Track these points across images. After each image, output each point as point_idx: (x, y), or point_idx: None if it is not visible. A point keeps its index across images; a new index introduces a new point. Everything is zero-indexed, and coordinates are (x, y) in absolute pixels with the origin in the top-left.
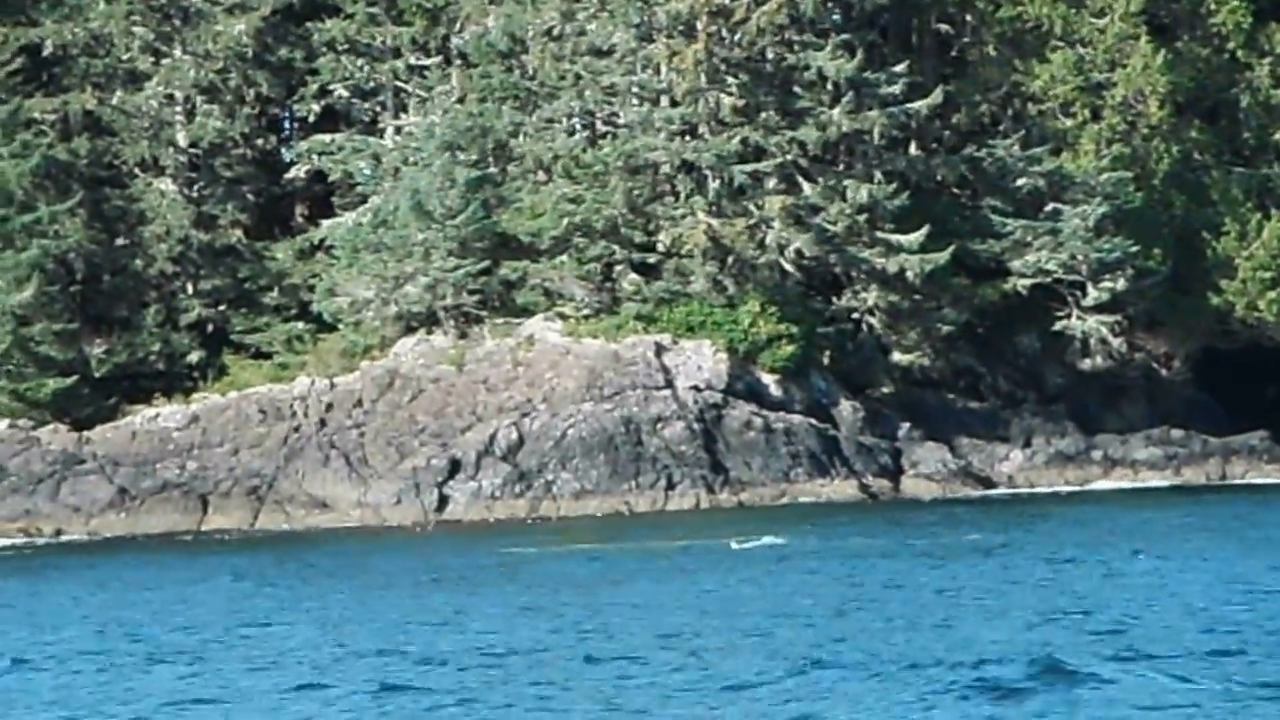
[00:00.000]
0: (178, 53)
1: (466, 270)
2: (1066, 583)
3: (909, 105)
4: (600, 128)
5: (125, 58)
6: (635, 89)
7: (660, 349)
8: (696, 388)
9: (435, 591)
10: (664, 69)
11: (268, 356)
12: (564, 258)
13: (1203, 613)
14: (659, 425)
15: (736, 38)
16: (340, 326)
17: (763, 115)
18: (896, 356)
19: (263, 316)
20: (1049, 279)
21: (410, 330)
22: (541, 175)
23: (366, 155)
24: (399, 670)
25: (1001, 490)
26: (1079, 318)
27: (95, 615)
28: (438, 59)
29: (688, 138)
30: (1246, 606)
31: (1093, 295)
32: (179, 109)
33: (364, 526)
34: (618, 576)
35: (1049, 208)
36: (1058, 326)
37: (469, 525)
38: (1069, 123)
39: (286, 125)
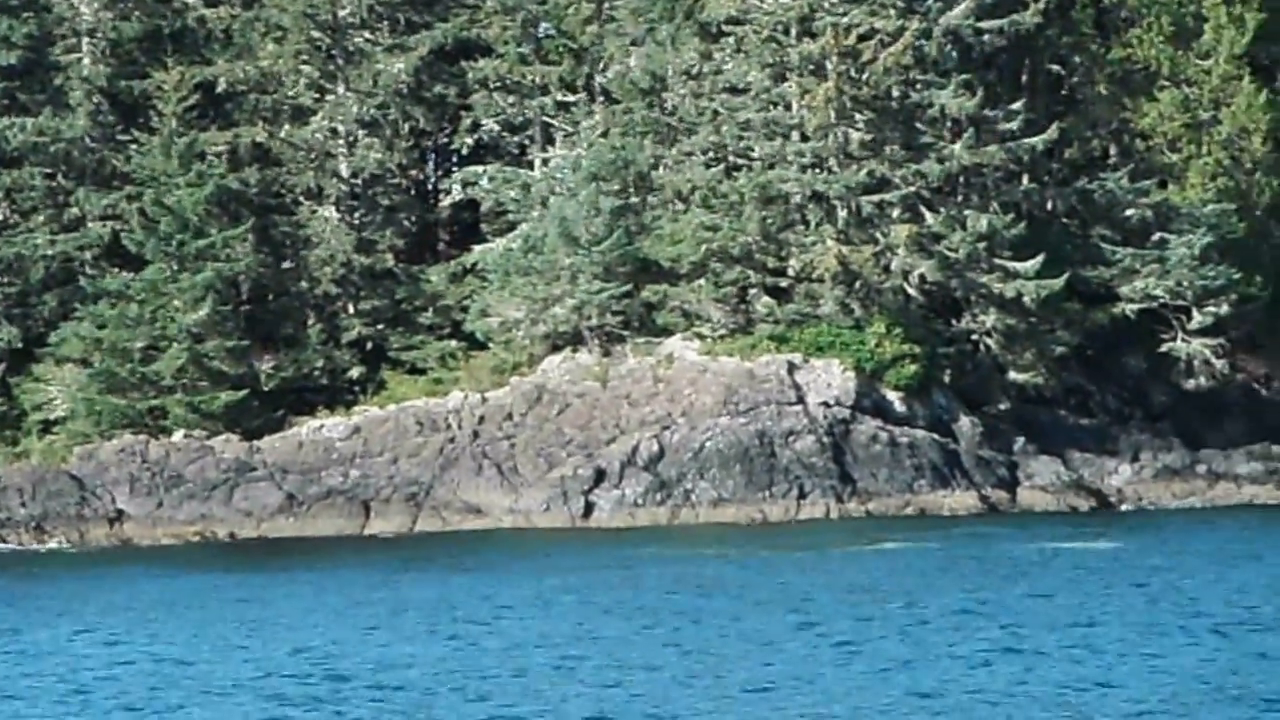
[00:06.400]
0: (341, 89)
1: (610, 293)
2: None
3: (1025, 140)
4: (735, 160)
5: (292, 94)
6: (769, 124)
7: (792, 367)
8: (826, 404)
9: None
10: (796, 106)
11: (423, 372)
12: (701, 281)
13: None
14: (791, 439)
15: (864, 77)
16: (491, 345)
17: (888, 149)
18: (1012, 375)
19: (418, 335)
20: (1155, 304)
21: (557, 348)
22: (680, 205)
23: (517, 185)
24: None
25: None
26: (1184, 340)
27: None
28: (583, 96)
29: (818, 170)
30: None
31: (1197, 319)
32: (341, 142)
33: (515, 529)
34: None
35: (1156, 237)
36: (1163, 348)
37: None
38: (1175, 157)
39: (433, 157)
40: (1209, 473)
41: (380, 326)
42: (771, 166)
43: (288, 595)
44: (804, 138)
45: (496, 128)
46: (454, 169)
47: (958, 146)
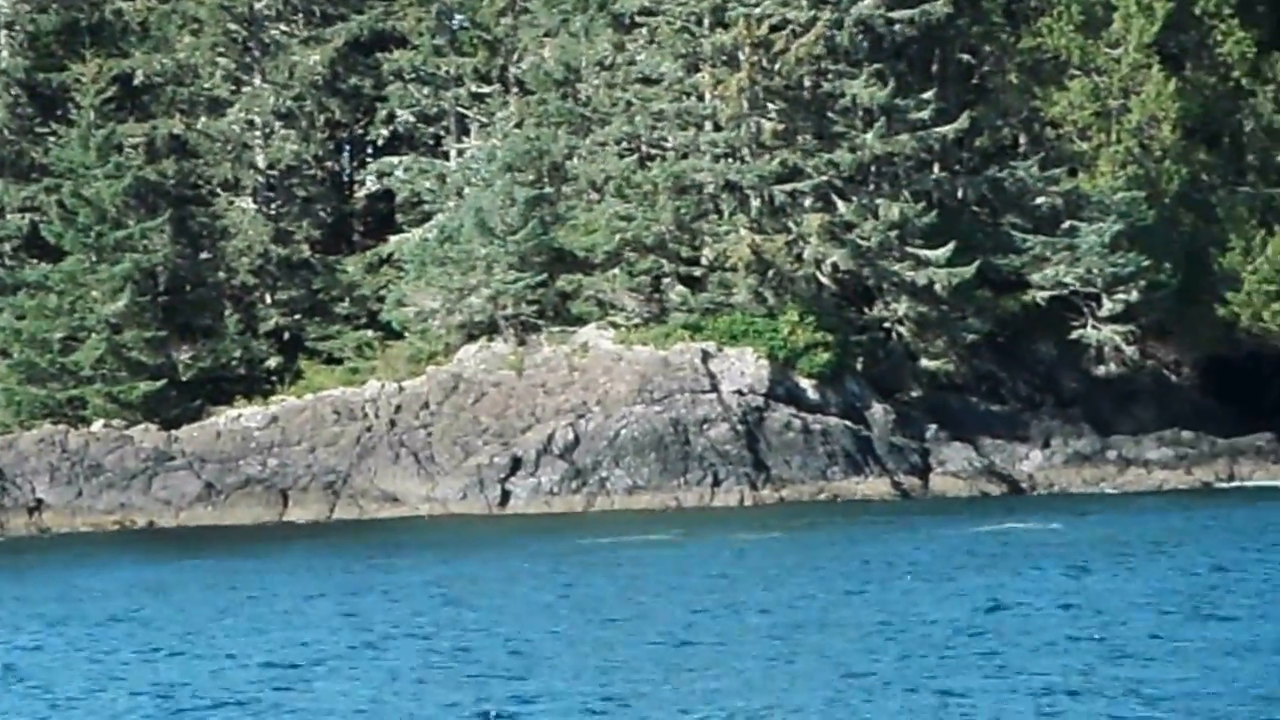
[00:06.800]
0: (257, 81)
1: (526, 282)
2: None
3: (936, 129)
4: (649, 151)
5: (209, 86)
6: (682, 115)
7: (706, 355)
8: (739, 391)
9: None
10: (709, 96)
11: (339, 362)
12: (616, 271)
13: None
14: (705, 426)
15: (777, 67)
16: (407, 334)
17: (800, 139)
18: (924, 363)
19: (335, 325)
20: (1066, 291)
21: (473, 338)
22: (595, 195)
23: (432, 176)
24: None
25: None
26: (1094, 327)
27: None
28: (497, 87)
29: (731, 160)
30: None
31: (1107, 306)
32: (258, 133)
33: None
34: None
35: (1066, 225)
36: (1074, 335)
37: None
38: (1085, 146)
39: (348, 148)
40: (1119, 458)
41: (297, 316)
42: (685, 156)
43: (202, 584)
44: (717, 128)
45: (412, 119)
46: (369, 160)
47: (869, 136)
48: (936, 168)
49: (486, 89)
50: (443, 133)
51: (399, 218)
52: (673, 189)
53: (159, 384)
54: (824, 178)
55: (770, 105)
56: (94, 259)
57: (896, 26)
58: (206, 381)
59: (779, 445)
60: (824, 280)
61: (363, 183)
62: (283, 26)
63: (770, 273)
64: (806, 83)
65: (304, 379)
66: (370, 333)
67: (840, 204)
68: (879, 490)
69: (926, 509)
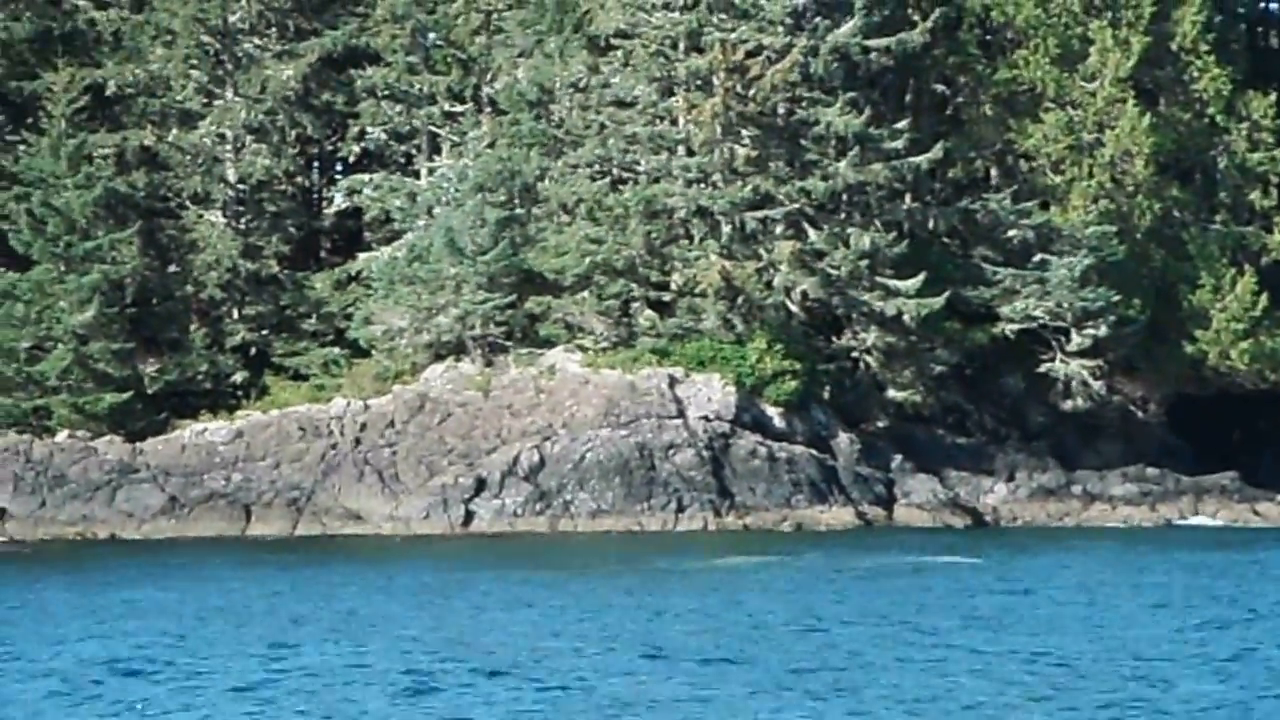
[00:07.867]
0: (229, 94)
1: (494, 303)
2: None
3: (909, 159)
4: (621, 174)
5: (181, 98)
6: (655, 139)
7: (673, 381)
8: (706, 418)
9: None
10: (682, 121)
11: (306, 378)
12: (585, 294)
13: None
14: (671, 452)
15: (751, 93)
16: (374, 352)
17: (773, 166)
18: (891, 393)
19: (302, 341)
20: (1035, 324)
21: (440, 358)
22: (565, 217)
23: (403, 194)
24: None
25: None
26: (1062, 361)
27: None
28: (470, 106)
29: (703, 185)
30: None
31: (1075, 341)
32: (229, 147)
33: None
34: None
35: (1037, 258)
36: (1042, 369)
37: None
38: (1058, 179)
39: (318, 164)
40: (1084, 493)
41: (264, 332)
42: (657, 180)
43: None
44: (690, 152)
45: (383, 136)
46: (339, 176)
47: (842, 164)
48: (908, 198)
49: (459, 108)
50: (414, 151)
51: (368, 235)
52: (644, 213)
53: (125, 396)
54: (796, 205)
55: (744, 131)
56: (62, 269)
57: (872, 55)
58: (172, 395)
59: (744, 472)
60: (793, 308)
61: (332, 199)
62: (256, 40)
63: (739, 299)
64: (780, 109)
65: (270, 395)
66: (337, 350)
67: (811, 232)
68: (843, 520)
69: (891, 539)
